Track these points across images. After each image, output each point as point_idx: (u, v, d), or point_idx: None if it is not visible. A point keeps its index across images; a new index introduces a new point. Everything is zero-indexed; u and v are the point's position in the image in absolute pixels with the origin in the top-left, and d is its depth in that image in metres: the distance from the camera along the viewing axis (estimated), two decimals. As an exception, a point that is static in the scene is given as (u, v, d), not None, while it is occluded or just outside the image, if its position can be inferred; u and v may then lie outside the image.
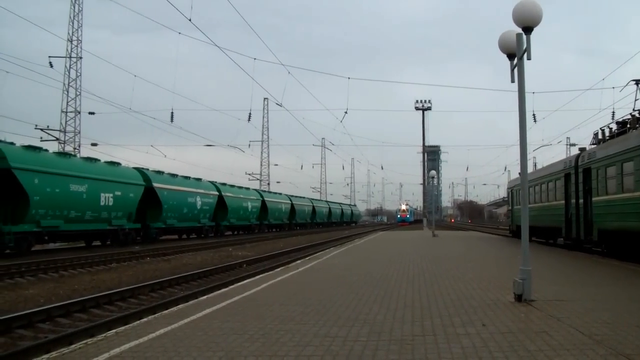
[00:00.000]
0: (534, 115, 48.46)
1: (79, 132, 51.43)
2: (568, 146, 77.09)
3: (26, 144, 29.13)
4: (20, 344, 9.81)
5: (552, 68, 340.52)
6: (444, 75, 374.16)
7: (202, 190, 48.20)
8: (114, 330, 8.18)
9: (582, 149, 24.27)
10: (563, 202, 24.45)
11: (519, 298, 9.55)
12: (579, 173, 22.39)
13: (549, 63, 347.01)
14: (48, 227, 28.46)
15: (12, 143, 27.81)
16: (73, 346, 7.22)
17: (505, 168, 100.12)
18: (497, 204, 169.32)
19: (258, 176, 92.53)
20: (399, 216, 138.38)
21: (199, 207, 47.03)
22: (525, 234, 10.04)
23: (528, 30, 9.64)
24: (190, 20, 23.59)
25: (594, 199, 20.46)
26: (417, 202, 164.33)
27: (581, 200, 22.01)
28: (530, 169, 32.89)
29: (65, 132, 50.66)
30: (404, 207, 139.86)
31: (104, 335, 7.83)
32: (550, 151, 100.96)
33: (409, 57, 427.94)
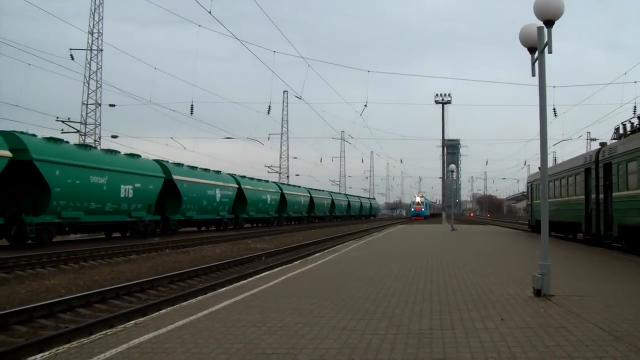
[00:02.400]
0: (554, 109, 48.16)
1: (100, 124, 51.78)
2: (588, 141, 76.38)
3: (47, 135, 29.41)
4: (42, 333, 9.93)
5: (576, 62, 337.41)
6: (467, 69, 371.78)
7: (221, 183, 48.33)
8: (133, 321, 8.26)
9: (602, 144, 24.02)
10: (583, 197, 24.27)
11: (538, 293, 9.50)
12: (599, 168, 22.19)
13: (574, 57, 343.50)
14: (69, 219, 28.71)
15: (33, 135, 28.06)
16: (93, 336, 7.30)
17: (525, 162, 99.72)
18: (517, 198, 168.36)
19: (277, 169, 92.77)
20: (412, 209, 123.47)
21: (218, 200, 47.19)
22: (545, 229, 9.98)
23: (549, 23, 9.56)
24: (210, 12, 23.66)
25: (614, 194, 20.27)
26: (437, 195, 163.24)
27: (601, 196, 21.81)
28: (550, 164, 32.63)
29: (86, 124, 51.03)
30: (418, 199, 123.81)
31: (123, 326, 7.91)
32: (570, 146, 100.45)
33: (432, 50, 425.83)
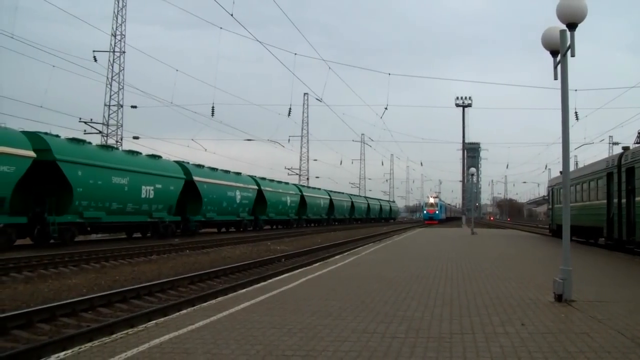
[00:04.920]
0: (576, 113, 47.81)
1: (122, 125, 52.25)
2: (611, 145, 75.82)
3: (70, 136, 29.71)
4: (64, 332, 10.04)
5: (603, 66, 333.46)
6: (490, 72, 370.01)
7: (241, 184, 48.48)
8: (154, 321, 8.30)
9: (625, 148, 23.80)
10: (605, 201, 24.04)
11: (559, 298, 9.44)
12: (621, 172, 21.97)
13: (598, 60, 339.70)
14: (90, 219, 28.97)
15: (57, 135, 28.36)
16: (114, 335, 7.35)
17: (546, 166, 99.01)
18: (537, 202, 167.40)
19: (297, 171, 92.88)
20: (425, 212, 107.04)
21: (238, 201, 47.34)
22: (567, 233, 9.90)
23: (572, 26, 9.51)
24: (232, 15, 23.79)
25: (637, 198, 20.06)
26: (457, 199, 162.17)
27: (624, 200, 21.60)
28: (571, 168, 32.36)
29: (108, 125, 51.48)
30: (432, 200, 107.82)
31: (144, 325, 7.96)
32: (592, 150, 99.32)
33: (456, 53, 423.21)
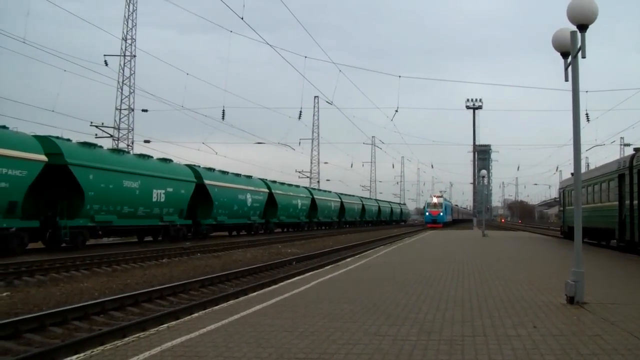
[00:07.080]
0: (587, 114, 47.60)
1: (132, 129, 52.32)
2: (622, 146, 75.40)
3: (82, 140, 29.86)
4: (76, 335, 10.07)
5: (614, 67, 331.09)
6: (502, 75, 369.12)
7: (252, 188, 48.51)
8: (165, 325, 8.33)
9: (637, 149, 23.66)
10: (617, 203, 23.91)
11: (571, 300, 9.39)
12: (633, 174, 21.85)
13: (611, 62, 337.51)
14: (102, 222, 29.06)
15: (68, 139, 28.48)
16: (126, 339, 7.38)
17: (557, 168, 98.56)
18: (548, 204, 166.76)
19: (308, 174, 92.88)
20: (427, 213, 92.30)
21: (249, 205, 47.37)
22: (579, 235, 9.86)
23: (583, 28, 9.48)
24: (242, 18, 23.86)
25: (650, 200, 19.95)
26: (467, 201, 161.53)
27: (635, 202, 21.48)
28: (582, 170, 32.19)
29: (119, 129, 51.59)
30: (435, 199, 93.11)
31: (156, 329, 7.99)
32: (603, 151, 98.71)
33: (468, 55, 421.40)
